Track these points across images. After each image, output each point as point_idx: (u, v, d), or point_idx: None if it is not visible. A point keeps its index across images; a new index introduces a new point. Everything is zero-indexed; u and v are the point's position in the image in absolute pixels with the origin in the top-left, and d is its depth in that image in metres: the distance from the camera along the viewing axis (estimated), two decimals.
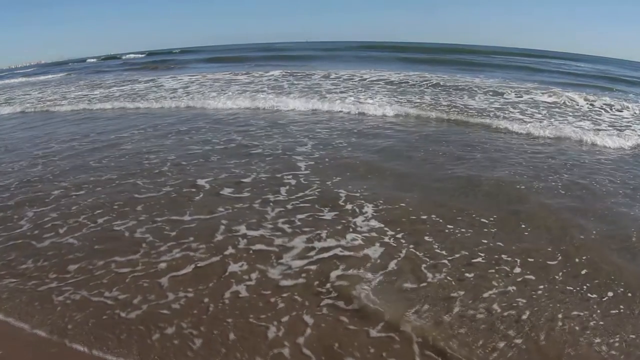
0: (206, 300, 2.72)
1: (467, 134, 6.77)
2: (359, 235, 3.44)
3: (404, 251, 3.20)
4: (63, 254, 3.31)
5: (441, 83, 11.70)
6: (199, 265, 3.10)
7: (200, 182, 4.64)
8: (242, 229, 3.58)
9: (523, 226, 3.58)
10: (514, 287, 2.78)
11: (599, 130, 7.04)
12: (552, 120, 7.62)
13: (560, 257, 3.12)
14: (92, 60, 36.73)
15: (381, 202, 4.03)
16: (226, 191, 4.39)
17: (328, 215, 3.81)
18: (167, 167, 5.20)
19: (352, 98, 9.41)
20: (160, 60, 26.44)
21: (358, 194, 4.22)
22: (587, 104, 9.16)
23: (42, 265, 3.18)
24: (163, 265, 3.12)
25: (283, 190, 4.37)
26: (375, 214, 3.81)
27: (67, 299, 2.77)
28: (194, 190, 4.44)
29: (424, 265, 3.02)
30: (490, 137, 6.55)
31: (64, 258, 3.25)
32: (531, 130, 6.87)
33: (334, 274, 2.93)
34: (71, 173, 5.17)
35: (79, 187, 4.67)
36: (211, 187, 4.49)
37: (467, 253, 3.17)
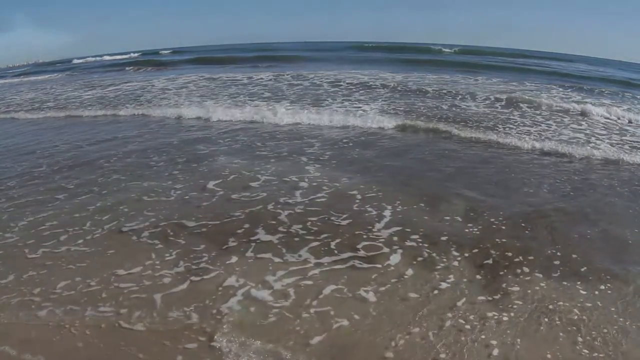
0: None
1: (464, 143, 6.50)
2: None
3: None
4: None
5: (443, 87, 11.48)
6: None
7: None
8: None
9: None
10: None
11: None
12: (560, 132, 7.37)
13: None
14: (78, 61, 35.77)
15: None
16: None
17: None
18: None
19: (349, 105, 8.97)
20: (151, 61, 25.84)
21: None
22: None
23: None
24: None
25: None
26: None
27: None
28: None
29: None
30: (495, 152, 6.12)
31: None
32: (527, 143, 6.40)
33: None
34: (77, 174, 5.03)
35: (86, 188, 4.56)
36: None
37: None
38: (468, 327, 2.44)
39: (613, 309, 2.63)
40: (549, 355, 2.26)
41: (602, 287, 2.84)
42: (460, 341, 2.33)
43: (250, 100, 9.79)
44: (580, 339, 2.37)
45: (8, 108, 11.02)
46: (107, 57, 36.56)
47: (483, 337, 2.36)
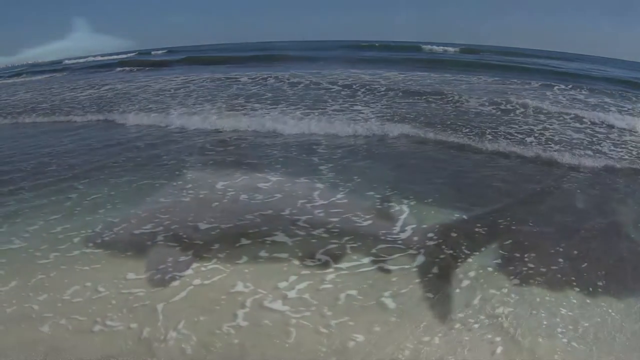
0: None
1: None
2: None
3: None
4: None
5: (446, 87, 11.39)
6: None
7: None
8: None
9: None
10: None
11: None
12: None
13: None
14: (68, 61, 35.27)
15: None
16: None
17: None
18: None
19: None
20: (146, 61, 25.57)
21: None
22: None
23: None
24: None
25: None
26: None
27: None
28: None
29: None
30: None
31: None
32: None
33: None
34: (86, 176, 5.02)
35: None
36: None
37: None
38: (476, 325, 2.54)
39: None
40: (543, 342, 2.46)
41: (599, 290, 2.95)
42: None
43: (249, 102, 9.65)
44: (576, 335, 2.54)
45: (2, 111, 10.80)
46: (99, 57, 36.09)
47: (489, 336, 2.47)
